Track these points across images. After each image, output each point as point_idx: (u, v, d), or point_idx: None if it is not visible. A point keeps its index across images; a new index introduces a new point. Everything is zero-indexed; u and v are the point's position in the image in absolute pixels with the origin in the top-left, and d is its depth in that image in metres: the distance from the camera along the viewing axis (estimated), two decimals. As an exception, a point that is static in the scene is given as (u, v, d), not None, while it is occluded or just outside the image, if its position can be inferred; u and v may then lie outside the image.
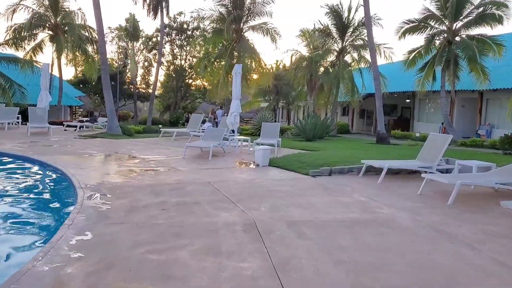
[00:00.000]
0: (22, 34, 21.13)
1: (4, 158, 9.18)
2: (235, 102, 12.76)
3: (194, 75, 37.36)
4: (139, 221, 4.64)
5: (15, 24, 21.44)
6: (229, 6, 22.64)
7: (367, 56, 20.46)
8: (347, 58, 23.03)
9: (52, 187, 7.37)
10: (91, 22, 24.48)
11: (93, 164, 8.90)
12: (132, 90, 36.47)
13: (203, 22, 25.40)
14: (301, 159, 9.17)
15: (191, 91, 41.23)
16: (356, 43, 22.41)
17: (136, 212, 5.03)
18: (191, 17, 34.59)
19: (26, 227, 5.03)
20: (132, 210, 5.09)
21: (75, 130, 16.07)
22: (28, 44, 21.88)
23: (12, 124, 15.37)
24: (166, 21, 28.69)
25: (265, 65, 24.48)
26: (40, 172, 8.23)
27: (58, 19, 22.28)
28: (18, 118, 15.98)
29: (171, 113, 37.51)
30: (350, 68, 23.00)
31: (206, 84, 35.05)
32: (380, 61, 20.45)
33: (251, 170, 8.71)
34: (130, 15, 32.46)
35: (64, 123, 16.59)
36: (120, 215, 4.84)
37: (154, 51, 37.72)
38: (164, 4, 24.88)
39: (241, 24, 22.97)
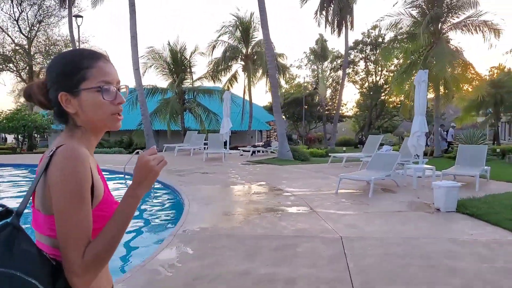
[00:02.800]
0: (219, 67, 23.26)
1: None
2: (419, 119, 9.79)
3: (389, 91, 33.98)
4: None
5: (214, 58, 23.90)
6: (423, 5, 19.09)
7: None
8: None
9: (155, 223, 6.69)
10: (280, 48, 25.10)
11: (224, 197, 7.85)
12: (323, 111, 35.98)
13: (394, 29, 22.37)
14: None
15: (387, 108, 37.73)
16: None
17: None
18: (375, 26, 31.58)
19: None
20: (189, 285, 3.49)
21: (252, 154, 16.01)
22: (224, 76, 23.98)
23: (199, 149, 16.45)
24: (359, 37, 26.95)
25: (474, 70, 19.36)
26: (166, 201, 7.84)
27: (248, 50, 23.67)
28: (205, 144, 17.09)
29: (365, 133, 35.11)
30: None
31: (400, 99, 31.26)
32: None
33: (423, 218, 5.88)
34: (319, 36, 32.25)
35: (239, 148, 16.82)
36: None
37: (349, 70, 36.43)
38: (348, 18, 23.28)
39: (439, 24, 18.96)
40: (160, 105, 19.90)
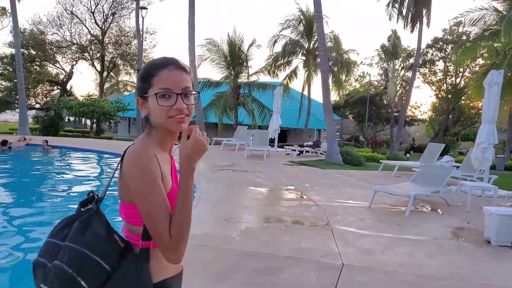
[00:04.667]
0: (278, 62, 22.59)
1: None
2: (487, 128, 8.35)
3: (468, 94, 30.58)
4: None
5: (275, 53, 23.26)
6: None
7: None
8: None
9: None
10: (347, 44, 23.76)
11: (237, 200, 7.18)
12: (391, 113, 33.55)
13: (475, 26, 19.86)
14: None
15: (467, 113, 34.11)
16: None
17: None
18: (459, 22, 28.35)
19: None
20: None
21: (299, 154, 15.17)
22: (283, 71, 23.26)
23: (246, 145, 16.00)
24: (437, 33, 24.49)
25: None
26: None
27: (311, 44, 22.67)
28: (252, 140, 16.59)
29: (439, 139, 32.12)
30: None
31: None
32: None
33: (464, 251, 4.75)
34: (392, 32, 29.96)
35: (285, 147, 16.02)
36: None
37: (423, 70, 33.56)
38: (424, 12, 21.13)
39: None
40: (214, 98, 19.81)
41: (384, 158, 17.41)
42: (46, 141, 13.97)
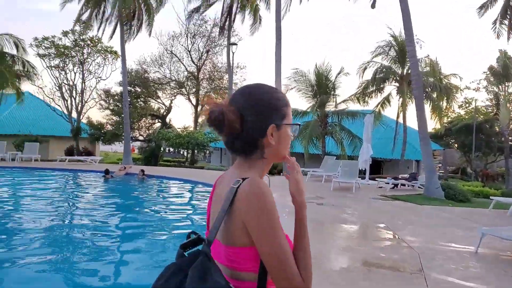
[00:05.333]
0: (368, 90, 21.64)
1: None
2: None
3: None
4: None
5: (365, 80, 22.37)
6: None
7: None
8: None
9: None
10: (448, 68, 21.94)
11: (314, 238, 6.59)
12: (505, 142, 29.59)
13: None
14: None
15: None
16: None
17: None
18: None
19: None
20: None
21: (393, 187, 13.95)
22: (374, 97, 22.16)
23: (333, 176, 15.27)
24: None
25: None
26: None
27: (404, 70, 21.34)
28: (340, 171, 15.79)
29: None
30: None
31: None
32: None
33: None
34: (500, 52, 26.85)
35: (377, 179, 14.81)
36: None
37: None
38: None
39: None
40: (301, 128, 19.55)
41: (498, 194, 15.15)
42: (142, 171, 14.99)
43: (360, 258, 5.17)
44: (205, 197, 12.15)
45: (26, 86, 23.73)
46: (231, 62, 22.74)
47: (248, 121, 1.16)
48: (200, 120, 39.55)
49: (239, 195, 1.09)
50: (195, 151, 25.68)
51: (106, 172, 14.38)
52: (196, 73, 28.01)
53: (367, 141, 15.25)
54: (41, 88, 25.51)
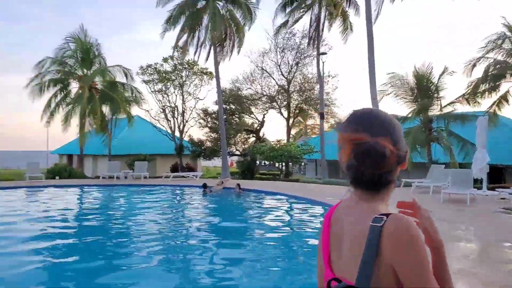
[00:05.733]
0: (480, 88, 19.28)
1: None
2: None
3: None
4: None
5: (475, 79, 20.00)
6: None
7: None
8: None
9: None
10: None
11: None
12: None
13: None
14: None
15: None
16: None
17: None
18: None
19: None
20: None
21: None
22: (487, 97, 19.64)
23: (442, 187, 13.76)
24: None
25: None
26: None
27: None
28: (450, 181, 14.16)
29: None
30: None
31: None
32: None
33: None
34: None
35: (497, 189, 12.84)
36: None
37: None
38: None
39: None
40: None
41: None
42: (239, 185, 15.29)
43: (480, 283, 4.35)
44: (301, 211, 11.84)
45: (135, 111, 26.21)
46: (321, 72, 22.30)
47: (400, 150, 1.12)
48: (293, 132, 39.58)
49: (387, 235, 1.02)
50: (289, 163, 25.60)
51: (204, 186, 15.01)
52: (286, 86, 28.17)
53: (482, 146, 13.45)
54: (147, 111, 28.02)
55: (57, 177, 20.38)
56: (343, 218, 1.16)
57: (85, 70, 23.76)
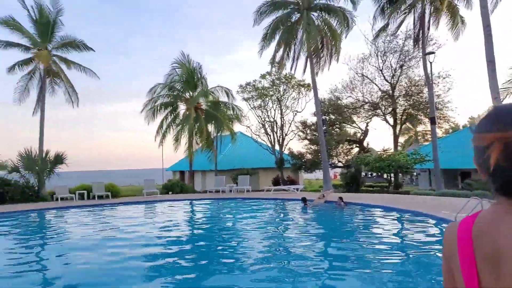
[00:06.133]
0: None
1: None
2: None
3: None
4: None
5: None
6: None
7: None
8: None
9: None
10: None
11: None
12: None
13: None
14: None
15: None
16: None
17: None
18: None
19: None
20: None
21: None
22: None
23: None
24: None
25: None
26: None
27: None
28: None
29: None
30: None
31: None
32: None
33: None
34: None
35: None
36: None
37: None
38: None
39: None
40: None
41: None
42: (341, 198, 14.57)
43: None
44: (412, 226, 10.66)
45: (237, 127, 27.27)
46: (430, 73, 20.35)
47: None
48: (401, 140, 37.00)
49: None
50: (399, 174, 23.75)
51: (304, 200, 14.68)
52: (390, 91, 26.38)
53: None
54: (248, 127, 28.91)
55: (170, 192, 22.08)
56: (494, 232, 0.97)
57: (190, 93, 25.59)
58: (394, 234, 9.91)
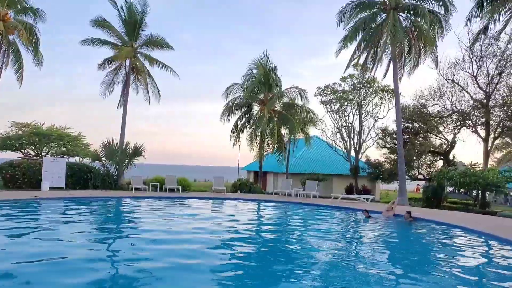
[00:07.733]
0: None
1: None
2: None
3: None
4: None
5: None
6: None
7: None
8: None
9: None
10: None
11: None
12: None
13: None
14: None
15: None
16: None
17: None
18: None
19: None
20: None
21: None
22: None
23: None
24: None
25: None
26: None
27: None
28: None
29: None
30: None
31: None
32: None
33: None
34: None
35: None
36: None
37: None
38: None
39: None
40: None
41: None
42: (409, 213, 13.48)
43: None
44: (490, 254, 9.25)
45: (312, 131, 26.75)
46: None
47: None
48: (497, 156, 33.12)
49: None
50: (486, 192, 21.19)
51: (365, 211, 14.06)
52: (484, 101, 23.50)
53: None
54: (323, 131, 28.21)
55: (238, 191, 22.50)
56: None
57: (265, 93, 25.75)
58: (466, 260, 8.47)
